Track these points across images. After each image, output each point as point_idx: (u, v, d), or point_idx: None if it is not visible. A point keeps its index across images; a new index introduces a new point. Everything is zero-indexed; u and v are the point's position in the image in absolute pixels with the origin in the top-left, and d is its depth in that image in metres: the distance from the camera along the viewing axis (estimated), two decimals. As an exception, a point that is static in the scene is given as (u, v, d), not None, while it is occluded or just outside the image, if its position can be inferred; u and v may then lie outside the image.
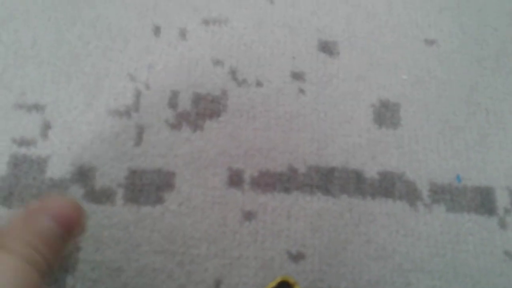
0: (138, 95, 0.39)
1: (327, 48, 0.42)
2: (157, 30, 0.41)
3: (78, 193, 0.35)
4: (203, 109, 0.39)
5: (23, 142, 0.36)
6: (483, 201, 0.37)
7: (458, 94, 0.41)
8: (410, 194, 0.37)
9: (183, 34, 0.41)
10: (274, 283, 0.25)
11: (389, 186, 0.37)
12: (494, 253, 0.35)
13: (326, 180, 0.37)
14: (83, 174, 0.36)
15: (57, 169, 0.36)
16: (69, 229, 0.21)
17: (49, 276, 0.18)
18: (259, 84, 0.40)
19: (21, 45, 0.40)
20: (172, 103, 0.39)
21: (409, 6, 0.44)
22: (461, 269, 0.35)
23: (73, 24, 0.40)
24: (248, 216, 0.35)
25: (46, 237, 0.20)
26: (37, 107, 0.37)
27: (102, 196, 0.35)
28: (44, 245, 0.20)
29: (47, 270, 0.19)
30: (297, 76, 0.41)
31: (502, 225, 0.36)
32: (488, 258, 0.35)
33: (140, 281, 0.33)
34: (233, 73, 0.40)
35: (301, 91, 0.40)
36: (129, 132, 0.37)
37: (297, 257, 0.34)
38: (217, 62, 0.41)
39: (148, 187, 0.36)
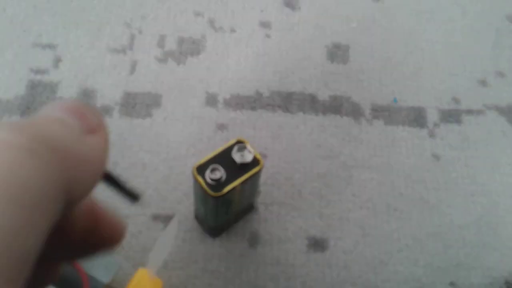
0: (132, 38, 0.48)
1: (290, 4, 0.52)
2: (149, -10, 0.51)
3: (82, 108, 0.44)
4: (186, 49, 0.49)
5: (38, 71, 0.46)
6: (416, 117, 0.46)
7: (398, 38, 0.51)
8: (355, 112, 0.46)
9: (170, -8, 0.52)
10: (231, 142, 0.33)
11: (337, 106, 0.46)
12: (423, 155, 0.44)
13: (286, 101, 0.46)
14: (86, 95, 0.45)
15: (66, 91, 0.45)
16: (86, 122, 0.15)
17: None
18: (232, 30, 0.50)
19: (39, 0, 0.50)
20: (160, 44, 0.48)
21: (358, -29, 0.54)
22: (395, 166, 0.43)
23: (80, -17, 0.51)
24: (221, 127, 0.45)
25: (59, 130, 0.14)
26: (50, 46, 0.47)
27: (102, 111, 0.44)
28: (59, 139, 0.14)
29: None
30: (264, 24, 0.51)
31: (431, 134, 0.45)
32: (418, 158, 0.44)
33: (132, 172, 0.42)
34: (211, 22, 0.50)
35: (267, 36, 0.50)
36: (125, 65, 0.47)
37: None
38: (198, 14, 0.51)
39: (139, 105, 0.45)
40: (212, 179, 0.31)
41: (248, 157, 0.32)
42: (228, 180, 0.32)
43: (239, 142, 0.33)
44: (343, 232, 0.40)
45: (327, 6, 0.53)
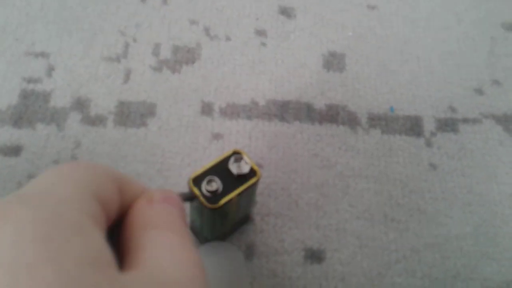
0: (126, 46, 0.48)
1: (285, 12, 0.52)
2: (143, -2, 0.51)
3: (76, 118, 0.44)
4: (181, 57, 0.48)
5: (31, 80, 0.45)
6: (412, 126, 0.46)
7: (393, 46, 0.50)
8: (351, 121, 0.46)
9: (164, 0, 0.51)
10: (228, 153, 0.33)
11: (334, 115, 0.46)
12: (420, 164, 0.44)
13: (282, 111, 0.46)
14: (80, 104, 0.44)
15: (59, 100, 0.44)
16: (185, 217, 0.22)
17: None
18: (228, 38, 0.50)
19: (32, 8, 0.49)
20: (155, 52, 0.48)
21: (354, -21, 0.54)
22: (392, 175, 0.43)
23: (74, -9, 0.50)
24: (216, 136, 0.44)
25: (180, 220, 0.20)
26: (43, 54, 0.47)
27: (96, 120, 0.44)
28: (183, 226, 0.20)
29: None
30: (259, 33, 0.50)
31: (428, 143, 0.45)
32: (415, 167, 0.44)
33: (126, 183, 0.41)
34: (206, 30, 0.50)
35: (263, 44, 0.50)
36: (119, 73, 0.46)
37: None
38: (193, 22, 0.50)
39: (133, 114, 0.44)
40: (208, 191, 0.31)
41: (245, 168, 0.32)
42: (225, 192, 0.31)
43: (235, 153, 0.32)
44: (340, 243, 0.40)
45: (323, 14, 0.52)
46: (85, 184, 0.16)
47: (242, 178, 0.32)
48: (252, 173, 0.32)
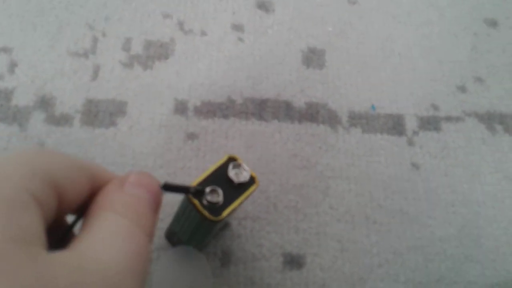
0: (95, 40, 0.45)
1: (263, 6, 0.50)
2: (113, -10, 0.48)
3: (40, 117, 0.41)
4: (153, 53, 0.46)
5: (-8, 77, 0.42)
6: (394, 125, 0.45)
7: (375, 42, 0.49)
8: (332, 120, 0.44)
9: (136, -7, 0.49)
10: (223, 160, 0.30)
11: (313, 113, 0.44)
12: (402, 164, 0.43)
13: (260, 109, 0.44)
14: (44, 102, 0.42)
15: (22, 98, 0.42)
16: (158, 206, 0.20)
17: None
18: (203, 33, 0.48)
19: (-8, -1, 0.46)
20: (126, 47, 0.46)
21: (333, -28, 0.53)
22: (374, 176, 0.42)
23: (39, -18, 0.48)
24: (191, 136, 0.42)
25: (147, 209, 0.19)
26: (5, 49, 0.44)
27: (61, 120, 0.41)
28: (147, 216, 0.19)
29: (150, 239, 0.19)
30: (236, 27, 0.48)
31: (410, 143, 0.44)
32: (397, 167, 0.42)
33: (94, 186, 0.39)
34: (180, 24, 0.48)
35: (240, 39, 0.48)
36: (86, 69, 0.44)
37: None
38: (167, 16, 0.48)
39: (102, 113, 0.42)
40: (209, 202, 0.28)
41: (246, 176, 0.29)
42: (225, 202, 0.28)
43: (231, 159, 0.30)
44: (320, 247, 0.38)
45: (302, 9, 0.51)
46: (37, 166, 0.16)
47: (241, 186, 0.29)
48: (251, 180, 0.29)
